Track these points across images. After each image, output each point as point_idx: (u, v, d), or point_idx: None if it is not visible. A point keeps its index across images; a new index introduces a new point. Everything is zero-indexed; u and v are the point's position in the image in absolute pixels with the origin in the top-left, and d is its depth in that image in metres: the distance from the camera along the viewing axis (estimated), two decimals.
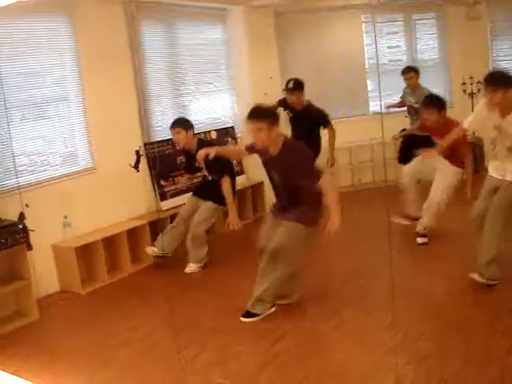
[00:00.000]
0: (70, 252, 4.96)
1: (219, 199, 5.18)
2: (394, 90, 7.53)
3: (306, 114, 6.08)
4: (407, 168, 5.66)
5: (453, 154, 5.04)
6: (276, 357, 3.52)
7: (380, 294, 4.28)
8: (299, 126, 6.10)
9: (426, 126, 5.42)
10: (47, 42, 5.09)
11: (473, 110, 5.06)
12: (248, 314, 4.08)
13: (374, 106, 8.21)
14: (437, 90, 6.95)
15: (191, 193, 5.61)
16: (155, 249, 5.35)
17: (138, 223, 5.56)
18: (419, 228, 5.39)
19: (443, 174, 5.22)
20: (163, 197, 5.99)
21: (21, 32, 4.87)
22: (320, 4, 7.79)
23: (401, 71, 6.84)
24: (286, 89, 6.06)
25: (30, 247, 4.50)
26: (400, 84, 6.91)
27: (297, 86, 5.99)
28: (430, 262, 4.94)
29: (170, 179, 6.12)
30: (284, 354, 3.56)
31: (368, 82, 8.23)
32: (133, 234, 5.49)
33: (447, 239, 5.41)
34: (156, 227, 5.69)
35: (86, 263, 5.19)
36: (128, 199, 5.72)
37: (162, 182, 6.02)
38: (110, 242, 5.28)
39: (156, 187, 5.96)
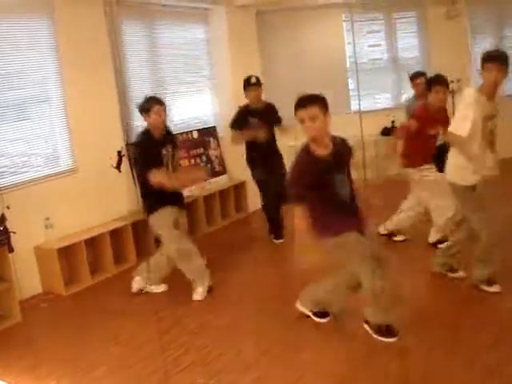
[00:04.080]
0: (52, 253, 4.94)
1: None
2: (375, 89, 7.60)
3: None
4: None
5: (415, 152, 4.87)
6: (263, 356, 3.53)
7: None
8: None
9: (426, 113, 4.86)
10: (27, 42, 5.06)
11: (454, 109, 4.93)
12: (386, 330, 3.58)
13: (355, 105, 8.25)
14: None
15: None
16: None
17: (120, 224, 5.55)
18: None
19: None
20: None
21: (0, 32, 4.83)
22: (301, 3, 7.83)
23: (410, 76, 6.05)
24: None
25: (11, 249, 4.47)
26: (380, 83, 6.88)
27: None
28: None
29: None
30: (270, 353, 3.57)
31: (349, 81, 8.28)
32: (116, 234, 5.48)
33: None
34: (138, 228, 5.68)
35: (69, 264, 5.17)
36: (110, 200, 5.70)
37: None
38: (92, 243, 5.27)
39: (138, 188, 5.92)
